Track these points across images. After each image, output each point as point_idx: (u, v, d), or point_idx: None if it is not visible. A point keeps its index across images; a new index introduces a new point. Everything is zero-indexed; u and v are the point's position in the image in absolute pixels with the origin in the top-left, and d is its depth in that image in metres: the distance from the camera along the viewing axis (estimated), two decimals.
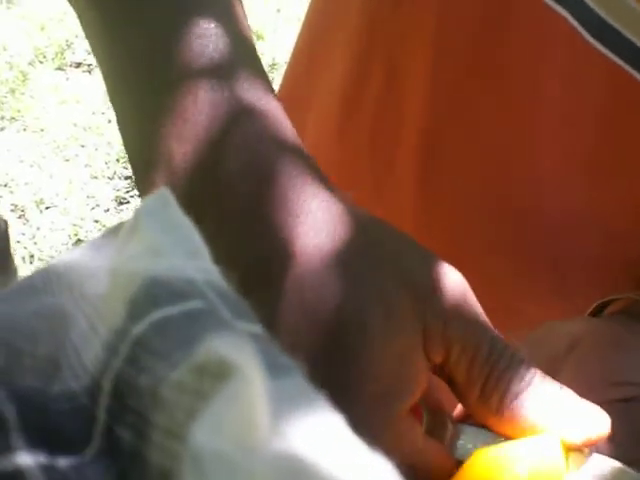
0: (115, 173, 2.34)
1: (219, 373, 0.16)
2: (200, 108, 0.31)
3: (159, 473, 0.16)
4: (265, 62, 2.80)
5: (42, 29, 3.26)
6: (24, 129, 2.62)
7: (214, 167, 0.30)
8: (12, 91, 2.81)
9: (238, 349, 0.15)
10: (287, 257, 0.28)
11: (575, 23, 0.42)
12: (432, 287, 0.30)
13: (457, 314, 0.30)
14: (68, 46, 3.13)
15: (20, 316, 0.19)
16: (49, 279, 0.20)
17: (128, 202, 2.24)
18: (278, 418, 0.15)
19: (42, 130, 2.58)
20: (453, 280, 0.30)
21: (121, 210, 2.22)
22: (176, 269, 0.18)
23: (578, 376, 0.38)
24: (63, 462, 0.16)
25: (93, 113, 2.65)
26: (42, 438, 0.16)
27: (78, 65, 3.05)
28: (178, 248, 0.19)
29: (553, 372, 0.31)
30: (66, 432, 0.17)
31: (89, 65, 3.04)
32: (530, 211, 0.49)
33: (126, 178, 2.32)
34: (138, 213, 0.20)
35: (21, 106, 2.71)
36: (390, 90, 0.51)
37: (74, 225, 2.15)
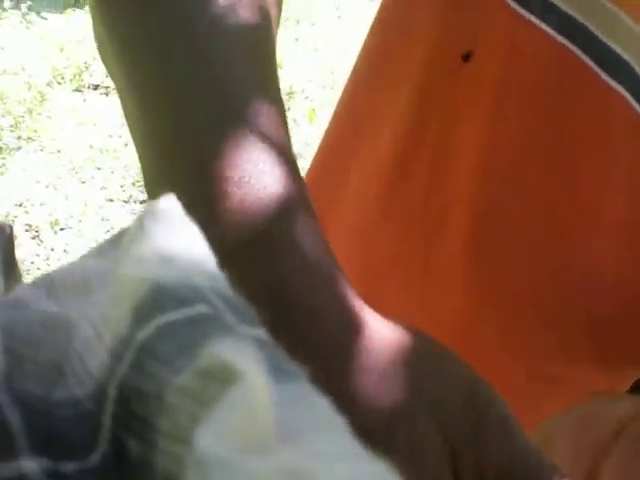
0: (131, 197, 2.35)
1: (223, 378, 0.16)
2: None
3: (165, 478, 0.16)
4: (283, 90, 2.82)
5: (61, 50, 3.30)
6: (41, 149, 2.64)
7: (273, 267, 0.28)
8: (29, 111, 2.83)
9: (242, 354, 0.15)
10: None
11: (633, 101, 0.42)
12: (471, 421, 0.29)
13: (491, 440, 0.29)
14: (86, 68, 3.17)
15: (23, 322, 0.19)
16: (53, 285, 0.20)
17: None
18: (283, 423, 0.15)
19: (59, 151, 2.60)
20: (494, 409, 0.29)
21: None
22: (182, 275, 0.18)
23: (623, 470, 0.37)
24: (68, 467, 0.16)
25: (110, 136, 2.67)
26: (46, 443, 0.17)
27: (96, 87, 3.08)
28: (184, 254, 0.19)
29: (599, 460, 0.30)
30: (70, 438, 0.17)
31: (107, 87, 3.06)
32: (580, 292, 0.48)
33: (142, 202, 2.32)
34: (144, 217, 0.20)
35: (38, 126, 2.74)
36: (441, 162, 0.50)
37: (88, 248, 2.15)
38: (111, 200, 2.36)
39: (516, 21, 0.43)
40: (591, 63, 0.42)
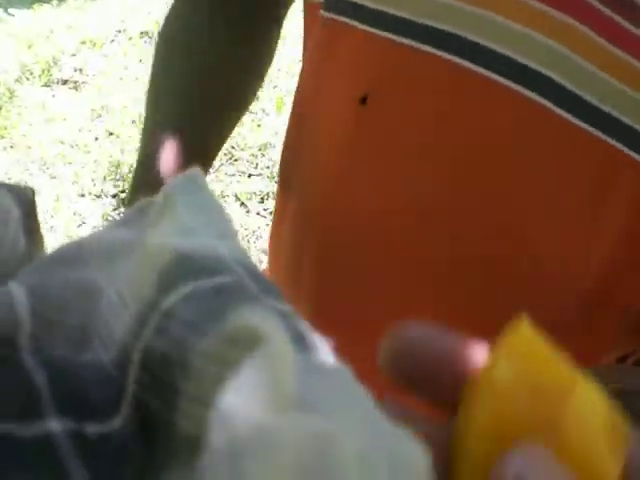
0: (102, 191, 2.35)
1: (249, 341, 0.16)
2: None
3: (186, 439, 0.16)
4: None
5: (29, 47, 3.28)
6: (11, 146, 2.63)
7: None
8: None
9: (267, 320, 0.16)
10: None
11: (555, 108, 0.43)
12: None
13: None
14: (55, 63, 3.15)
15: (51, 286, 0.19)
16: (80, 251, 0.21)
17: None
18: (304, 389, 0.15)
19: (29, 147, 2.59)
20: None
21: None
22: (206, 247, 0.19)
23: None
24: (90, 429, 0.16)
25: (80, 130, 2.66)
26: (71, 405, 0.17)
27: (65, 82, 3.06)
28: (209, 228, 0.19)
29: None
30: (94, 400, 0.17)
31: (75, 82, 3.05)
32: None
33: (113, 196, 2.33)
34: (170, 191, 0.20)
35: (7, 123, 2.72)
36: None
37: (61, 243, 2.15)
38: (82, 195, 2.36)
39: (400, 50, 0.45)
40: (481, 69, 0.43)
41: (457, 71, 0.44)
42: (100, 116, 2.73)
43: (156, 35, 3.26)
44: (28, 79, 3.05)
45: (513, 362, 0.20)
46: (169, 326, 0.17)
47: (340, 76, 0.49)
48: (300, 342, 0.17)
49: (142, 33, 3.31)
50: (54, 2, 4.11)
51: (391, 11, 0.44)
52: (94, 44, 3.27)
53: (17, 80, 3.04)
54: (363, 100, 0.46)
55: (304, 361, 0.16)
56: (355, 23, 0.46)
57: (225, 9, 0.64)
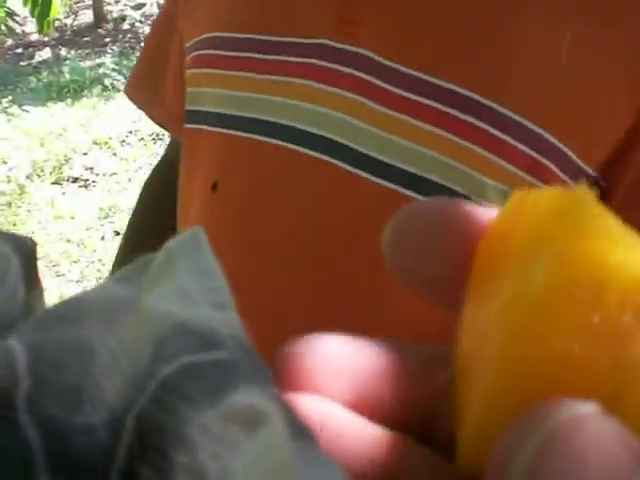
0: None
1: (248, 422, 0.16)
2: None
3: None
4: None
5: (42, 144, 3.36)
6: None
7: None
8: (9, 204, 2.86)
9: (266, 402, 0.16)
10: None
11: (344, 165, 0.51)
12: None
13: None
14: (66, 161, 3.22)
15: (48, 345, 0.19)
16: (79, 308, 0.21)
17: None
18: (302, 475, 0.14)
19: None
20: None
21: None
22: (204, 318, 0.19)
23: None
24: None
25: (87, 229, 2.70)
26: (63, 467, 0.17)
27: (75, 180, 3.12)
28: (207, 296, 0.20)
29: None
30: (85, 464, 0.17)
31: (85, 180, 3.11)
32: None
33: None
34: (171, 251, 0.21)
35: (17, 220, 2.77)
36: None
37: None
38: None
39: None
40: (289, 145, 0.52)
41: (281, 151, 0.53)
42: (108, 216, 2.77)
43: (167, 137, 3.35)
44: (39, 176, 3.11)
45: (559, 261, 0.13)
46: (165, 397, 0.17)
47: (199, 169, 0.59)
48: (296, 428, 0.16)
49: (153, 135, 3.40)
50: (68, 100, 4.24)
51: (230, 112, 0.55)
52: (106, 144, 3.36)
53: (28, 177, 3.10)
54: (214, 187, 0.56)
55: (300, 449, 0.15)
56: (204, 127, 0.57)
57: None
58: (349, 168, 0.51)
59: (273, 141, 0.52)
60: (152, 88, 0.72)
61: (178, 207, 0.65)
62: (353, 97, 0.51)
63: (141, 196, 0.86)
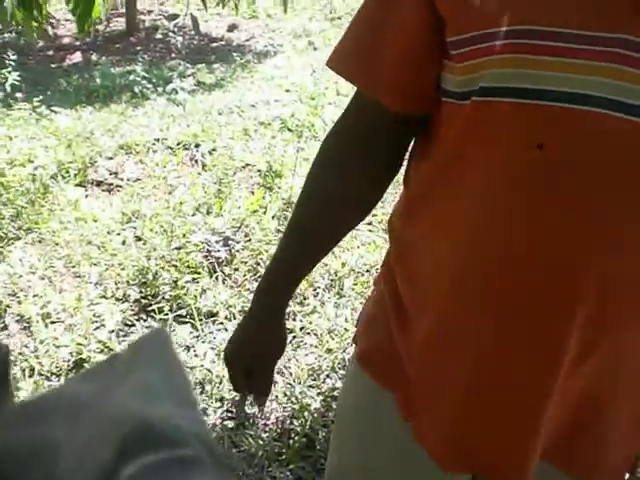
0: (124, 295, 2.36)
1: None
2: None
3: None
4: (285, 197, 2.89)
5: (68, 145, 3.39)
6: (39, 241, 2.67)
7: None
8: (32, 202, 2.88)
9: None
10: None
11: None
12: None
13: None
14: (91, 164, 3.24)
15: (14, 443, 0.19)
16: (45, 408, 0.21)
17: (134, 325, 2.25)
18: None
19: (56, 244, 2.63)
20: None
21: (126, 333, 2.23)
22: (168, 416, 0.19)
23: None
24: None
25: (109, 232, 2.71)
26: None
27: (99, 183, 3.14)
28: (171, 393, 0.20)
29: None
30: None
31: (109, 184, 3.12)
32: None
33: (134, 301, 2.34)
34: (137, 348, 0.21)
35: (39, 218, 2.78)
36: None
37: (78, 344, 2.15)
38: (104, 297, 2.37)
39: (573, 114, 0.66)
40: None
41: (603, 119, 0.64)
42: (130, 221, 2.78)
43: (193, 147, 3.37)
44: (64, 177, 3.13)
45: None
46: None
47: (498, 135, 0.69)
48: None
49: (180, 144, 3.42)
50: (97, 105, 4.27)
51: (551, 88, 0.66)
52: (132, 150, 3.38)
53: (52, 177, 3.12)
54: (539, 147, 0.66)
55: None
56: (513, 100, 0.68)
57: (369, 155, 0.84)
58: None
59: (585, 108, 0.65)
60: (366, 59, 0.77)
61: (427, 170, 0.77)
62: None
63: (320, 165, 0.88)
